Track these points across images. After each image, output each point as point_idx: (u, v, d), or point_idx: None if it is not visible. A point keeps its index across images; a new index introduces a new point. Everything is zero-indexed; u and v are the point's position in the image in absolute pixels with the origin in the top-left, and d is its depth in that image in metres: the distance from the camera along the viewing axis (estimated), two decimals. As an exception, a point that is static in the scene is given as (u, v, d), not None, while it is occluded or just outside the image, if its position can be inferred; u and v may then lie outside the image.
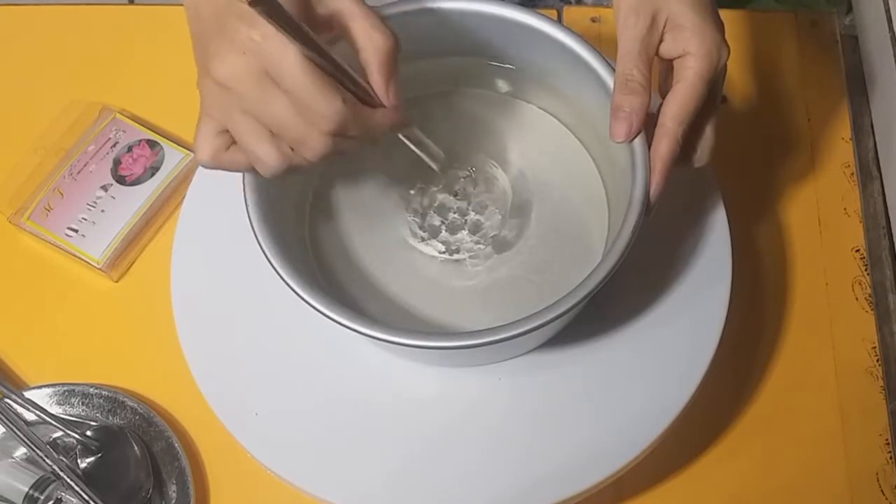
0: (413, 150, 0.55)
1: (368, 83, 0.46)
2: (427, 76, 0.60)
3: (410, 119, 0.50)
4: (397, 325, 0.50)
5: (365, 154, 0.59)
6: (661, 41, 0.51)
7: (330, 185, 0.60)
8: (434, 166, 0.56)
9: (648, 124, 0.51)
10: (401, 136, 0.52)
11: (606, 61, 0.53)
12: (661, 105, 0.52)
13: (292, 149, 0.46)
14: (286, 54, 0.42)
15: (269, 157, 0.45)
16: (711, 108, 0.51)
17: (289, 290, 0.50)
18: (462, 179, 0.60)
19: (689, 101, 0.49)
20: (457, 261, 0.58)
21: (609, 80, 0.52)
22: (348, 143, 0.46)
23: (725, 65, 0.51)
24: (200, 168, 0.64)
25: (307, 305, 0.50)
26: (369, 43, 0.46)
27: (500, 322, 0.49)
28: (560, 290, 0.51)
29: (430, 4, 0.54)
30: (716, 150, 0.53)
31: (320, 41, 0.43)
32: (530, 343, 0.57)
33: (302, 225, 0.59)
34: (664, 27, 0.50)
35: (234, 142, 0.47)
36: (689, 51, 0.49)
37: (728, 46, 0.50)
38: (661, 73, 0.53)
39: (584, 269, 0.51)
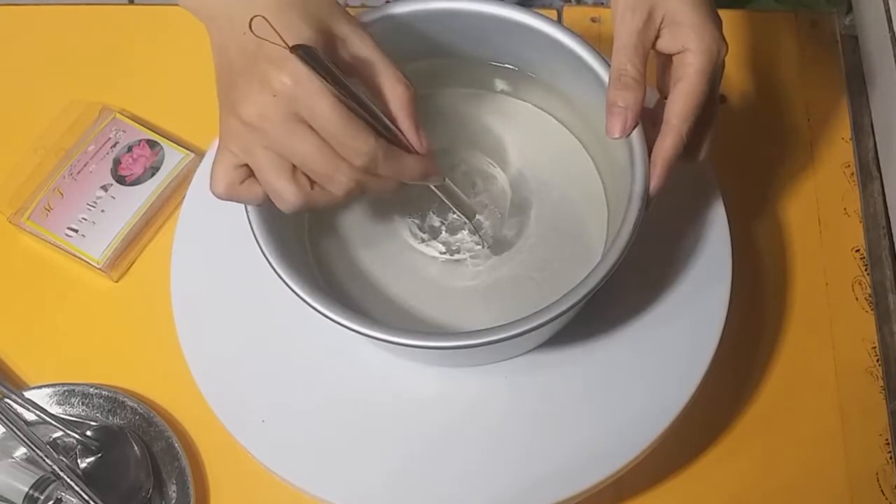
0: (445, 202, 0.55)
1: (399, 129, 0.47)
2: (425, 76, 0.60)
3: (441, 171, 0.51)
4: (398, 325, 0.50)
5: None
6: (657, 37, 0.51)
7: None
8: (464, 218, 0.56)
9: (645, 120, 0.51)
10: (433, 187, 0.53)
11: (605, 60, 0.53)
12: (658, 101, 0.52)
13: (312, 186, 0.47)
14: (320, 97, 0.43)
15: (288, 192, 0.46)
16: (711, 104, 0.51)
17: (289, 290, 0.50)
18: (461, 180, 0.60)
19: (693, 98, 0.49)
20: (457, 261, 0.58)
21: (607, 78, 0.52)
22: (376, 183, 0.47)
23: (724, 61, 0.51)
24: (200, 168, 0.64)
25: (307, 306, 0.50)
26: (394, 93, 0.47)
27: (502, 321, 0.49)
28: (561, 287, 0.51)
29: (428, 4, 0.54)
30: (715, 145, 0.53)
31: (353, 85, 0.44)
32: (531, 342, 0.57)
33: (301, 227, 0.59)
34: (661, 23, 0.50)
35: (249, 175, 0.47)
36: (689, 47, 0.49)
37: (726, 42, 0.51)
38: (658, 67, 0.53)
39: (585, 266, 0.52)
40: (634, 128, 0.50)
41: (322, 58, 0.42)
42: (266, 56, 0.44)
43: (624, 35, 0.50)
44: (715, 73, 0.50)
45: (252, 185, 0.48)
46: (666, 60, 0.52)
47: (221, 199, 0.48)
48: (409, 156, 0.48)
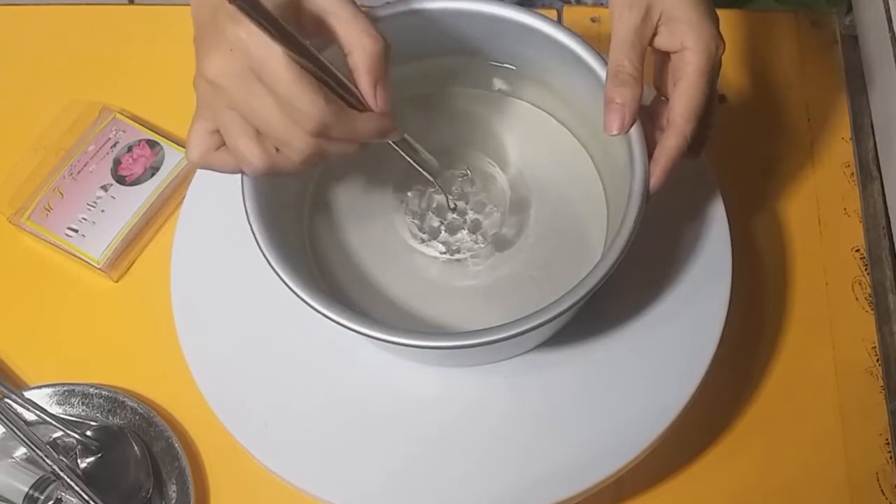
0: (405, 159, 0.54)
1: (357, 87, 0.46)
2: (424, 76, 0.60)
3: (398, 127, 0.49)
4: (398, 325, 0.50)
5: (359, 156, 0.59)
6: (655, 34, 0.51)
7: (327, 190, 0.60)
8: (427, 175, 0.55)
9: (643, 117, 0.51)
10: (392, 143, 0.52)
11: (604, 60, 0.53)
12: (655, 98, 0.52)
13: (277, 150, 0.46)
14: (270, 52, 0.42)
15: (252, 156, 0.45)
16: (710, 102, 0.51)
17: (289, 290, 0.50)
18: (459, 179, 0.60)
19: (695, 97, 0.50)
20: (458, 261, 0.58)
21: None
22: (333, 146, 0.46)
23: (721, 59, 0.51)
24: (200, 168, 0.64)
25: (307, 307, 0.50)
26: (357, 46, 0.46)
27: (503, 321, 0.49)
28: (562, 286, 0.51)
29: (427, 4, 0.54)
30: (713, 142, 0.53)
31: (304, 41, 0.43)
32: (531, 342, 0.57)
33: (301, 230, 0.59)
34: (659, 20, 0.50)
35: (223, 143, 0.47)
36: (687, 45, 0.50)
37: (723, 40, 0.51)
38: (655, 65, 0.53)
39: (586, 264, 0.52)
40: (633, 124, 0.50)
41: (265, 9, 0.41)
42: (227, 11, 0.43)
43: (621, 31, 0.50)
44: (713, 72, 0.50)
45: (226, 153, 0.47)
46: (664, 58, 0.52)
47: (197, 166, 0.48)
48: (362, 116, 0.46)
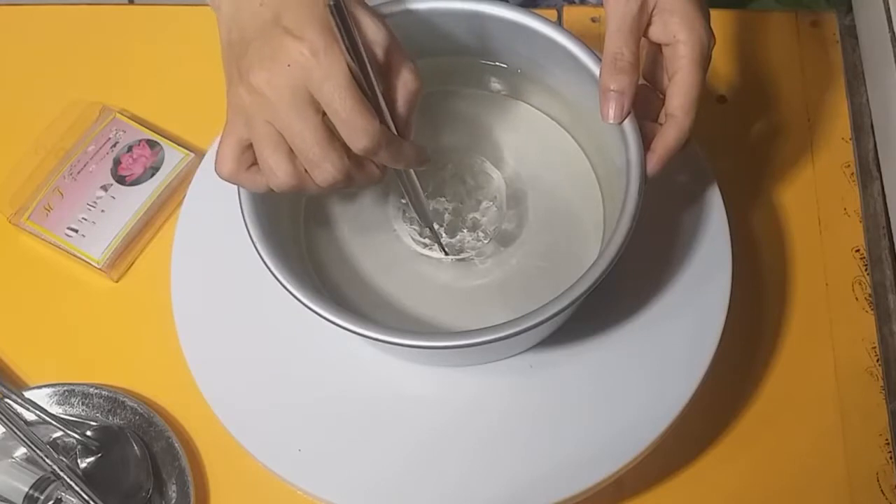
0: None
1: (391, 114, 0.48)
2: (422, 75, 0.60)
3: (428, 155, 0.52)
4: (396, 325, 0.50)
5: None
6: (649, 24, 0.51)
7: (321, 202, 0.60)
8: (423, 221, 0.57)
9: (636, 107, 0.51)
10: (401, 182, 0.53)
11: (599, 58, 0.53)
12: (642, 86, 0.52)
13: (306, 170, 0.47)
14: (334, 71, 0.43)
15: (282, 172, 0.46)
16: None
17: (288, 293, 0.50)
18: (451, 180, 0.60)
19: (692, 90, 0.50)
20: (463, 260, 0.58)
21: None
22: (361, 173, 0.48)
23: (712, 52, 0.51)
24: (200, 168, 0.64)
25: (308, 310, 0.50)
26: (401, 80, 0.47)
27: (515, 315, 0.49)
28: (569, 273, 0.51)
29: (422, 4, 0.54)
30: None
31: (368, 59, 0.44)
32: (530, 341, 0.57)
33: (298, 240, 0.59)
34: (652, 11, 0.51)
35: (255, 162, 0.47)
36: (679, 38, 0.50)
37: (714, 34, 0.51)
38: (647, 56, 0.53)
39: (587, 248, 0.53)
40: (629, 113, 0.51)
41: (348, 19, 0.42)
42: (284, 27, 0.44)
43: (618, 19, 0.50)
44: (706, 65, 0.51)
45: (257, 174, 0.48)
46: (656, 50, 0.52)
47: (226, 180, 0.48)
48: (405, 141, 0.49)
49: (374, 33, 0.47)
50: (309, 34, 0.43)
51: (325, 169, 0.46)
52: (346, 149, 0.46)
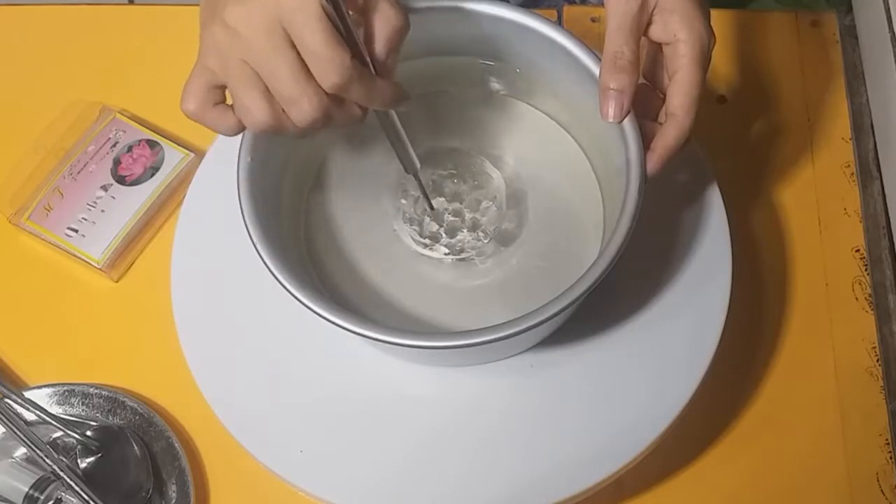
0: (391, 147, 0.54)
1: (368, 52, 0.46)
2: (419, 75, 0.60)
3: (409, 96, 0.50)
4: (395, 326, 0.50)
5: (350, 166, 0.59)
6: (650, 23, 0.51)
7: (320, 201, 0.60)
8: (407, 168, 0.55)
9: (636, 106, 0.51)
10: (384, 127, 0.52)
11: (599, 58, 0.53)
12: (640, 85, 0.52)
13: (283, 110, 0.46)
14: (307, 7, 0.43)
15: (259, 111, 0.45)
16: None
17: (289, 294, 0.50)
18: (451, 180, 0.60)
19: (693, 89, 0.50)
20: (464, 260, 0.58)
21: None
22: (340, 112, 0.46)
23: (712, 51, 0.51)
24: (200, 168, 0.64)
25: (309, 311, 0.50)
26: (382, 15, 0.46)
27: (516, 315, 0.49)
28: (570, 272, 0.51)
29: (424, 4, 0.54)
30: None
31: None
32: (530, 340, 0.57)
33: (299, 241, 0.59)
34: (653, 10, 0.51)
35: (223, 100, 0.47)
36: (680, 37, 0.50)
37: (714, 34, 0.51)
38: (647, 56, 0.53)
39: (587, 248, 0.53)
40: (629, 112, 0.51)
41: None
42: None
43: (619, 18, 0.50)
44: (706, 64, 0.51)
45: (224, 112, 0.47)
46: (656, 50, 0.52)
47: (190, 116, 0.47)
48: (380, 79, 0.47)
49: None
50: None
51: (301, 107, 0.45)
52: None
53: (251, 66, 0.45)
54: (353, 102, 0.47)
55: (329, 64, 0.44)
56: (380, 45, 0.47)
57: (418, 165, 0.55)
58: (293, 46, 0.44)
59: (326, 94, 0.45)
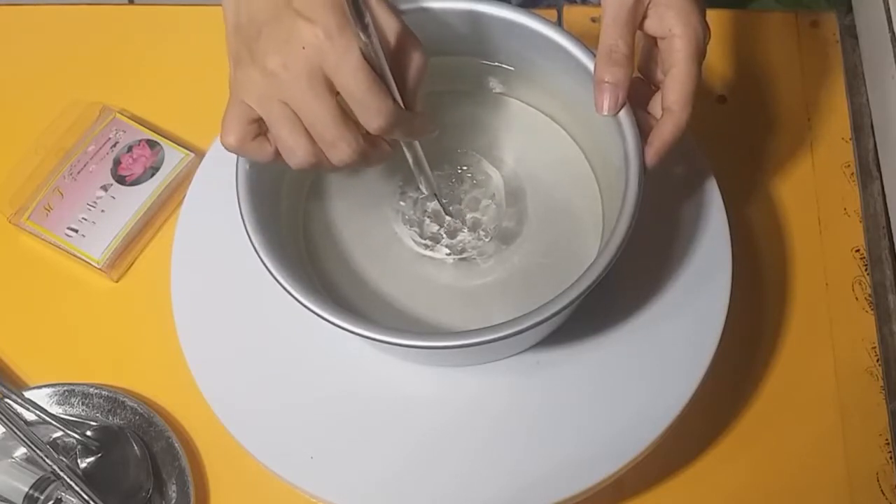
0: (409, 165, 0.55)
1: (399, 90, 0.48)
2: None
3: (436, 124, 0.52)
4: (394, 326, 0.50)
5: (348, 172, 0.60)
6: (645, 17, 0.51)
7: (319, 205, 0.60)
8: (425, 188, 0.57)
9: (633, 99, 0.51)
10: (408, 152, 0.53)
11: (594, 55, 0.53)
12: (635, 79, 0.52)
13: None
14: (348, 54, 0.44)
15: (301, 150, 0.47)
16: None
17: (288, 294, 0.50)
18: (450, 180, 0.60)
19: (689, 84, 0.50)
20: (465, 259, 0.58)
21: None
22: (373, 152, 0.49)
23: (707, 46, 0.51)
24: (200, 168, 0.64)
25: (309, 312, 0.50)
26: (409, 56, 0.48)
27: (520, 312, 0.49)
28: (572, 268, 0.51)
29: (423, 4, 0.54)
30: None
31: (379, 39, 0.45)
32: (529, 340, 0.57)
33: (299, 241, 0.59)
34: (648, 4, 0.51)
35: (262, 133, 0.48)
36: (675, 32, 0.50)
37: (709, 28, 0.51)
38: (643, 50, 0.53)
39: (588, 243, 0.53)
40: (623, 105, 0.51)
41: (362, 4, 0.43)
42: (295, 9, 0.45)
43: (614, 11, 0.50)
44: (702, 58, 0.51)
45: (263, 143, 0.48)
46: (651, 44, 0.52)
47: (231, 151, 0.49)
48: (415, 116, 0.49)
49: (384, 14, 0.47)
50: (322, 17, 0.44)
51: (340, 148, 0.47)
52: (360, 128, 0.47)
53: (291, 109, 0.46)
54: (385, 141, 0.49)
55: (374, 110, 0.46)
56: (411, 83, 0.49)
57: (435, 185, 0.57)
58: (333, 92, 0.46)
59: (362, 135, 0.47)
